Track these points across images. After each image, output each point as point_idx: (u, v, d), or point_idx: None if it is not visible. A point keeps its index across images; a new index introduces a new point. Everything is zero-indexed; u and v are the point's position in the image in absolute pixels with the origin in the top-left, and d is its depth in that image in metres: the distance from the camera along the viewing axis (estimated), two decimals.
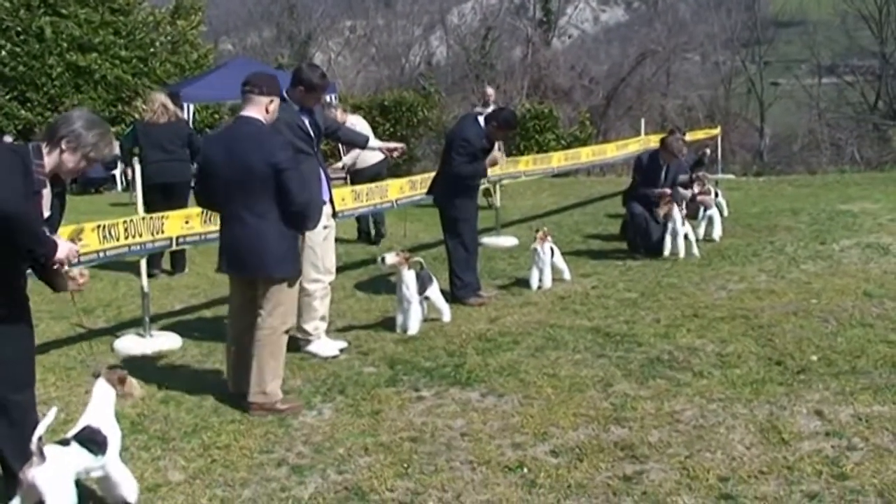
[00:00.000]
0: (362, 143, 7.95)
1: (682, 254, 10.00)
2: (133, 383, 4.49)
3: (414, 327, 7.40)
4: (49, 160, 4.15)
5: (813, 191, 15.93)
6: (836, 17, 41.12)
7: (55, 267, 4.18)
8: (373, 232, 12.20)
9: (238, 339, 5.89)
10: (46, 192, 4.18)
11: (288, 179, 5.45)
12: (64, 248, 4.15)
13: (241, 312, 5.90)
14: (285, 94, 6.77)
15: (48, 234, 4.18)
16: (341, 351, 6.90)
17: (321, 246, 6.90)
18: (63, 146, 4.17)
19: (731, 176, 20.43)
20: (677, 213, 10.01)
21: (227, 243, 5.73)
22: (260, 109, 5.66)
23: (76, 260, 4.23)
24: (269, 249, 5.55)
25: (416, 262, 7.73)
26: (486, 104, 16.62)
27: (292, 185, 5.48)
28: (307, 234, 6.71)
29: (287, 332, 5.84)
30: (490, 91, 17.49)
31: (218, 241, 5.89)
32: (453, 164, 8.35)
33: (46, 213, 4.20)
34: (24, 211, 3.93)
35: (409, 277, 7.43)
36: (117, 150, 20.23)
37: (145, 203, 8.96)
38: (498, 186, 12.26)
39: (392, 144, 7.91)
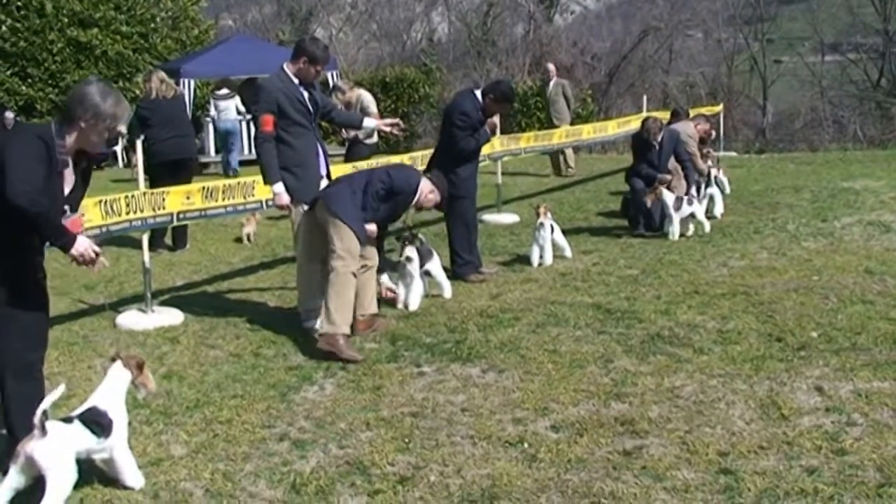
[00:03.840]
0: (357, 124, 7.95)
1: (674, 236, 9.94)
2: (149, 375, 4.48)
3: (415, 303, 7.41)
4: (71, 139, 4.22)
5: (815, 168, 15.90)
6: None
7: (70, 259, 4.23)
8: None
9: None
10: (69, 172, 4.25)
11: None
12: (81, 245, 4.19)
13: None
14: (284, 67, 6.80)
15: (69, 213, 4.26)
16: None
17: None
18: (83, 124, 4.21)
19: (733, 154, 20.40)
20: (667, 195, 9.96)
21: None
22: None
23: (92, 252, 4.27)
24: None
25: (416, 238, 7.73)
26: (546, 82, 17.18)
27: None
28: (306, 207, 6.75)
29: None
30: (551, 67, 17.53)
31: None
32: (455, 139, 8.31)
33: (68, 189, 4.26)
34: (40, 205, 4.00)
35: (414, 253, 7.44)
36: (123, 128, 20.27)
37: (152, 179, 9.00)
38: (499, 163, 12.24)
39: (388, 121, 7.88)
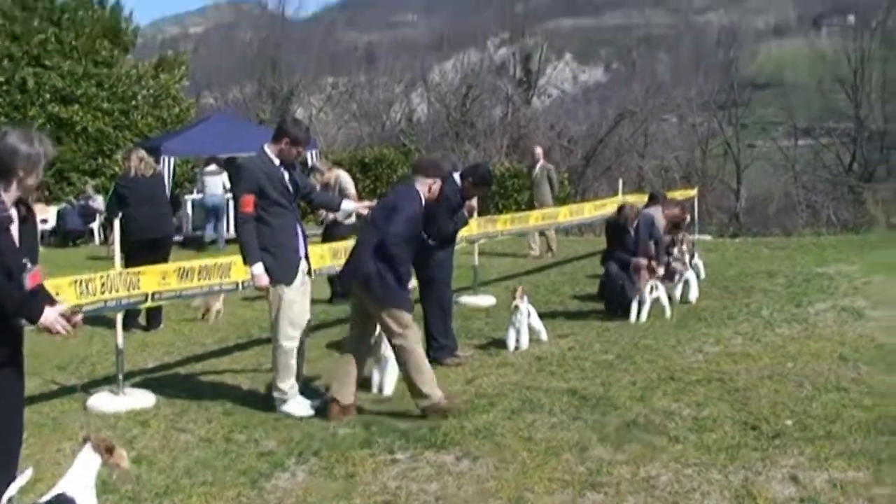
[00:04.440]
0: (335, 207, 7.98)
1: (643, 319, 9.99)
2: (122, 455, 4.39)
3: (389, 386, 7.36)
4: (9, 194, 4.24)
5: (789, 253, 16.07)
6: (812, 80, 41.86)
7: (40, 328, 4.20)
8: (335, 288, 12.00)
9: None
10: (14, 226, 4.26)
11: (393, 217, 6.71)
12: (49, 316, 4.16)
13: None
14: (265, 148, 6.85)
15: (29, 266, 4.24)
16: (316, 410, 6.85)
17: (298, 303, 6.89)
18: (21, 173, 4.24)
19: (707, 237, 20.59)
20: (646, 284, 10.05)
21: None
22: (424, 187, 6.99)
23: (60, 327, 4.24)
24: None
25: None
26: (533, 164, 17.34)
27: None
28: (285, 290, 6.74)
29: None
30: (538, 150, 17.79)
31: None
32: (436, 222, 8.31)
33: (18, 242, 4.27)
34: None
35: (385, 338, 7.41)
36: (101, 206, 20.38)
37: (129, 257, 8.97)
38: (476, 244, 12.30)
39: (366, 203, 7.93)
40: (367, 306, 6.77)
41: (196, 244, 19.49)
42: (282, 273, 6.77)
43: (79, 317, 4.42)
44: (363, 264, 6.70)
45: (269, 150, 6.84)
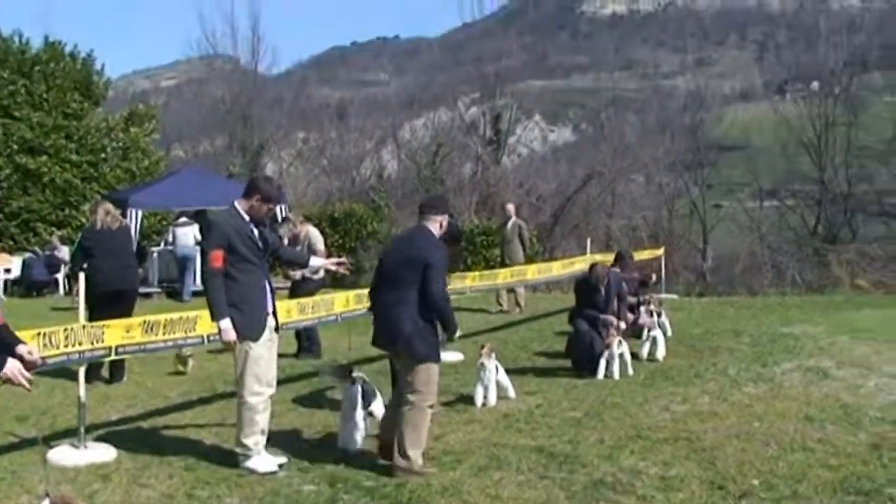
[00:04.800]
0: (304, 263, 7.95)
1: (616, 376, 10.03)
2: None
3: (356, 443, 7.29)
4: None
5: (754, 313, 16.19)
6: (777, 144, 42.57)
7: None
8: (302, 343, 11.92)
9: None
10: None
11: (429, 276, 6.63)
12: (9, 371, 4.12)
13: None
14: (236, 204, 6.83)
15: None
16: (280, 466, 6.76)
17: (265, 358, 6.84)
18: None
19: (674, 296, 20.71)
20: (615, 341, 10.11)
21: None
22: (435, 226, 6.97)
23: (23, 378, 4.20)
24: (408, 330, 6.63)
25: (358, 377, 7.67)
26: (506, 222, 17.42)
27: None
28: (252, 346, 6.68)
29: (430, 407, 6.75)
30: (510, 207, 17.89)
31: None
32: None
33: None
34: None
35: (355, 392, 7.36)
36: (66, 256, 20.25)
37: (92, 309, 8.88)
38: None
39: (334, 260, 7.92)
40: (402, 362, 6.90)
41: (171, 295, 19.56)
42: (249, 329, 6.72)
43: (38, 361, 4.38)
44: (404, 326, 6.69)
45: (240, 205, 6.83)
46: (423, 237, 6.96)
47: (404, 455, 6.54)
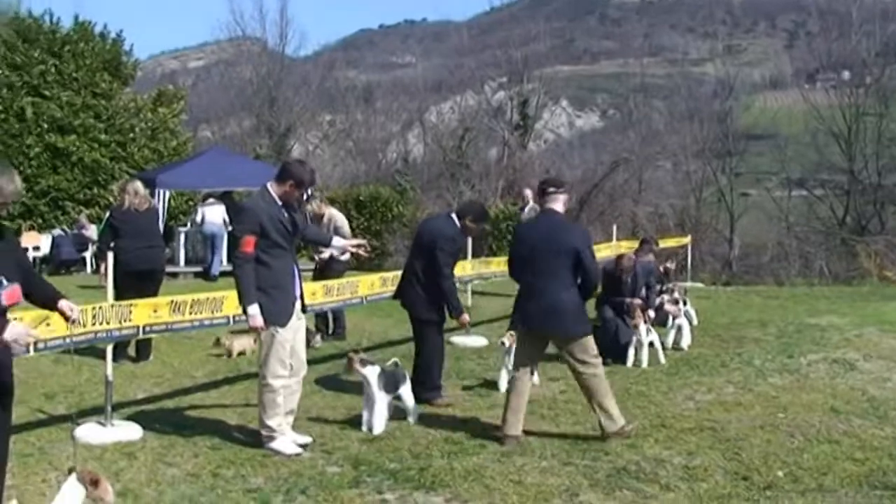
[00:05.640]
0: (326, 242, 7.97)
1: (644, 364, 10.00)
2: (107, 488, 4.34)
3: (379, 426, 7.31)
4: None
5: (781, 303, 16.08)
6: (806, 133, 42.09)
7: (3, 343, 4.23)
8: (331, 326, 11.98)
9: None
10: None
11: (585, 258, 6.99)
12: (13, 331, 4.18)
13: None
14: (269, 187, 6.84)
15: (4, 282, 4.34)
16: (304, 448, 6.79)
17: (291, 342, 6.86)
18: None
19: (700, 285, 20.61)
20: (642, 324, 10.08)
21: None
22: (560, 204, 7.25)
23: (26, 346, 4.31)
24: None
25: (392, 361, 7.73)
26: (524, 207, 17.25)
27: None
28: (279, 331, 6.71)
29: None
30: (528, 192, 17.78)
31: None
32: (439, 264, 8.30)
33: None
34: None
35: (371, 374, 7.38)
36: (94, 235, 20.41)
37: (119, 288, 8.95)
38: (469, 285, 12.28)
39: (355, 241, 7.93)
40: (557, 342, 7.23)
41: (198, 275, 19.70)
42: (277, 315, 6.74)
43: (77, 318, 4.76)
44: (563, 303, 7.00)
45: (273, 189, 6.82)
46: (563, 223, 7.30)
47: (610, 418, 7.01)
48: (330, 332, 11.82)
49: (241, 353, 10.65)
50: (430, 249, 8.33)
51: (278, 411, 6.82)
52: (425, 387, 8.31)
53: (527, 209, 17.06)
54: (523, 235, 7.53)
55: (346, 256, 11.53)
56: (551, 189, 7.33)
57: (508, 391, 7.33)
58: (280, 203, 6.78)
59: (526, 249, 7.23)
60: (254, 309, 6.64)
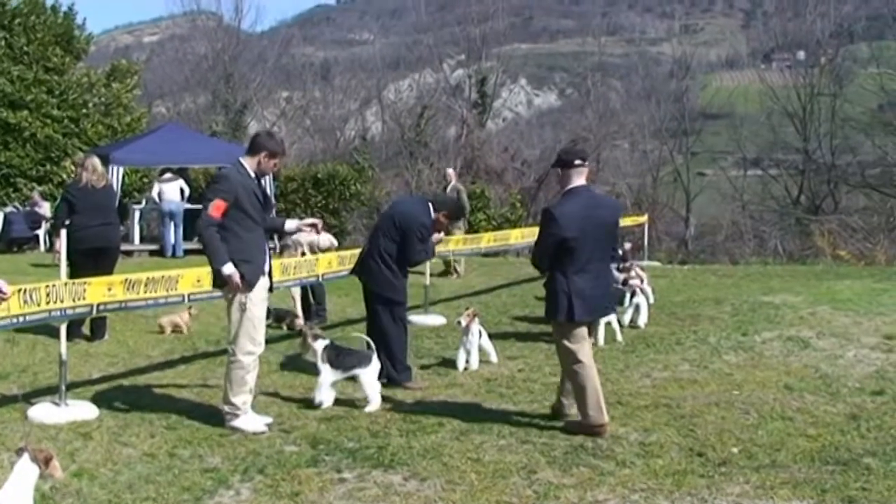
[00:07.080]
0: (279, 227, 7.91)
1: (601, 342, 10.03)
2: (57, 465, 4.31)
3: (321, 398, 7.36)
4: None
5: (735, 281, 16.24)
6: (762, 113, 42.48)
7: None
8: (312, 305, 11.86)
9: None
10: None
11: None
12: None
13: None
14: (241, 161, 6.79)
15: None
16: (268, 426, 6.77)
17: (259, 318, 6.84)
18: None
19: (656, 263, 20.77)
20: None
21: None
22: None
23: None
24: None
25: (364, 342, 7.80)
26: (446, 186, 17.08)
27: None
28: (250, 307, 6.66)
29: None
30: (451, 172, 17.74)
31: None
32: (410, 248, 8.26)
33: None
34: None
35: (319, 347, 7.41)
36: (47, 212, 20.13)
37: (74, 266, 8.83)
38: (428, 264, 12.26)
39: (308, 220, 7.89)
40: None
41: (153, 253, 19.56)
42: (254, 276, 6.70)
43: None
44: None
45: (246, 163, 6.80)
46: (605, 198, 7.60)
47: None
48: (316, 312, 11.67)
49: (176, 331, 10.55)
50: (403, 232, 8.28)
51: (245, 389, 6.80)
52: (395, 368, 8.23)
53: (448, 189, 16.98)
54: (573, 216, 6.62)
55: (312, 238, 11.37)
56: (578, 161, 6.73)
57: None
58: (254, 176, 6.76)
59: (577, 232, 6.57)
60: (229, 268, 6.56)
